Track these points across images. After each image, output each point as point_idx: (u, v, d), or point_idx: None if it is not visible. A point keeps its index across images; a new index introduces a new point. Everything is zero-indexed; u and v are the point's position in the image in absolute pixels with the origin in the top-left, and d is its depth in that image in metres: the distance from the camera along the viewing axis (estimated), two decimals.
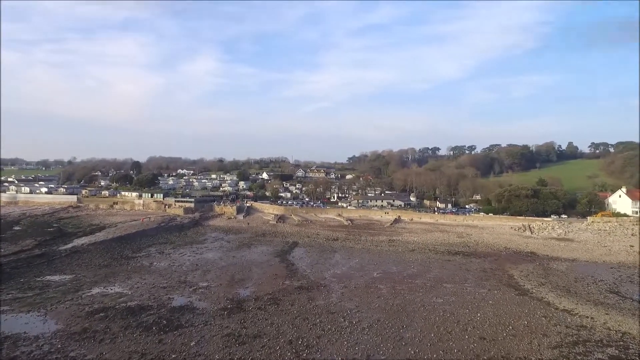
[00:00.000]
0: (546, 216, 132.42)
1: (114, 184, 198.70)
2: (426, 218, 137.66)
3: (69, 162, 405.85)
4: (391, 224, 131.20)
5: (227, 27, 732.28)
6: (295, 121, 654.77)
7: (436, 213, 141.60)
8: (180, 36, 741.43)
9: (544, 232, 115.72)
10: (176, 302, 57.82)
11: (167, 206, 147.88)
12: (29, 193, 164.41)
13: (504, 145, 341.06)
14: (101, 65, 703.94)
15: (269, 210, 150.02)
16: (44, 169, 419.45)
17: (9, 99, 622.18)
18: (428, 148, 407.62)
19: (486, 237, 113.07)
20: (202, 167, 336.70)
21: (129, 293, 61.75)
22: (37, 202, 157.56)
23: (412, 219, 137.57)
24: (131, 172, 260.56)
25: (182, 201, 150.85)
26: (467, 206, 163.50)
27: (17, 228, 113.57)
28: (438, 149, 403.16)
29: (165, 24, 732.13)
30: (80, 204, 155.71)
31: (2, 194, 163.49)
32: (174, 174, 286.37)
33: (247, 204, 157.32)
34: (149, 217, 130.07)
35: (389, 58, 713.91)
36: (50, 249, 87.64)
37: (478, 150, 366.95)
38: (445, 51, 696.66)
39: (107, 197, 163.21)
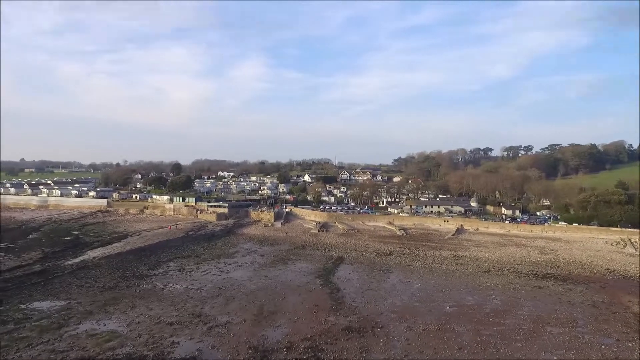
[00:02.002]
0: None
1: (148, 187, 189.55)
2: (494, 228, 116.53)
3: (117, 165, 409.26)
4: (453, 235, 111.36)
5: (273, 33, 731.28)
6: (339, 124, 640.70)
7: (507, 222, 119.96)
8: (228, 43, 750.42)
9: None
10: (180, 352, 42.41)
11: (199, 211, 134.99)
12: (60, 196, 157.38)
13: (564, 144, 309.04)
14: (155, 74, 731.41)
15: (310, 217, 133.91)
16: (92, 171, 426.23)
17: (72, 107, 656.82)
18: (480, 148, 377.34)
19: (577, 255, 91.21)
20: (244, 170, 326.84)
21: (124, 333, 46.96)
22: (67, 206, 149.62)
23: (477, 229, 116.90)
24: (171, 174, 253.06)
25: (215, 206, 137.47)
26: (538, 213, 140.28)
27: (33, 235, 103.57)
28: (490, 149, 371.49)
29: (215, 33, 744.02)
30: (110, 209, 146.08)
31: (34, 197, 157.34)
32: (213, 176, 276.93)
33: (287, 209, 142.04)
34: (177, 224, 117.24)
35: (434, 59, 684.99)
36: (55, 263, 75.30)
37: (535, 150, 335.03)
38: (493, 51, 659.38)
39: (137, 201, 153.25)
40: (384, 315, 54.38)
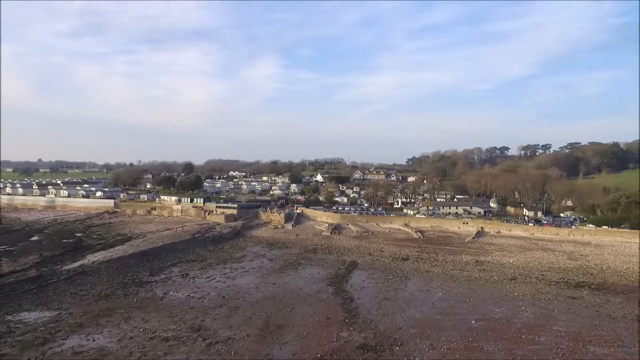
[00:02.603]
0: None
1: (157, 187, 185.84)
2: (517, 230, 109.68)
3: (130, 165, 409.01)
4: (473, 238, 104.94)
5: (286, 34, 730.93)
6: (352, 124, 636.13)
7: (530, 224, 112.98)
8: (242, 44, 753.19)
9: None
10: None
11: (207, 212, 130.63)
12: (67, 197, 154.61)
13: (583, 143, 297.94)
14: (170, 75, 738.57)
15: (322, 219, 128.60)
16: (105, 171, 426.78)
17: (88, 108, 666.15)
18: (496, 147, 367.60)
19: (610, 261, 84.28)
20: (255, 169, 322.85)
21: (114, 350, 42.35)
22: (74, 207, 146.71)
23: (499, 232, 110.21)
24: (182, 174, 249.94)
25: (224, 207, 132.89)
26: (562, 214, 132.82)
27: (35, 238, 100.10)
28: (507, 148, 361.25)
29: (228, 33, 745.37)
30: (117, 209, 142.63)
31: (41, 198, 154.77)
32: (225, 176, 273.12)
33: (298, 211, 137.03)
34: (183, 226, 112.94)
35: (447, 59, 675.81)
36: (52, 268, 71.19)
37: (553, 149, 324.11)
38: (507, 50, 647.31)
39: (145, 202, 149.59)
40: (403, 330, 48.87)
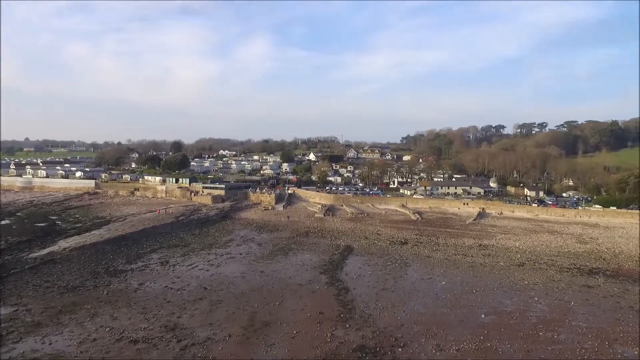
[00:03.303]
0: None
1: (141, 167, 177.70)
2: (521, 211, 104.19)
3: (119, 144, 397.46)
4: (474, 220, 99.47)
5: (279, 11, 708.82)
6: (346, 103, 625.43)
7: (534, 205, 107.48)
8: (234, 22, 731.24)
9: None
10: None
11: (193, 193, 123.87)
12: (46, 177, 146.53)
13: (581, 121, 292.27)
14: (161, 54, 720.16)
15: (314, 200, 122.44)
16: (92, 150, 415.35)
17: (78, 87, 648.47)
18: (491, 126, 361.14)
19: (623, 244, 79.15)
20: (246, 148, 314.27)
21: (72, 356, 36.42)
22: (53, 188, 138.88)
23: (501, 213, 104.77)
24: (170, 152, 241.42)
25: (211, 187, 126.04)
26: (564, 194, 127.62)
27: (5, 222, 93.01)
28: (503, 126, 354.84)
29: (220, 11, 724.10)
30: (99, 190, 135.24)
31: (18, 179, 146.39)
32: (214, 155, 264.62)
33: (289, 191, 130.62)
34: (167, 208, 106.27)
35: (443, 38, 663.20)
36: (17, 256, 64.73)
37: (549, 127, 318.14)
38: (503, 28, 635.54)
39: (128, 183, 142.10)
40: (405, 327, 43.25)
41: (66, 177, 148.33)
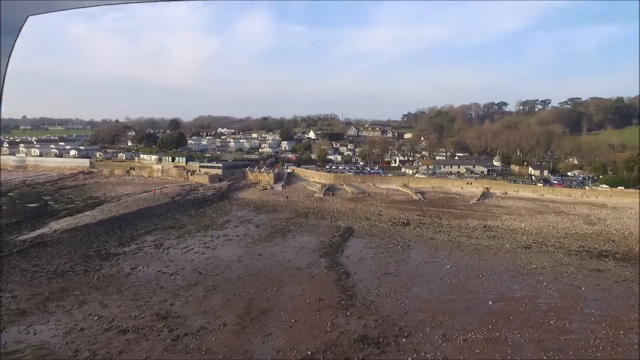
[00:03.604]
0: None
1: (137, 146, 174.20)
2: (526, 191, 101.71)
3: (116, 122, 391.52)
4: (478, 200, 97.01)
5: None
6: (346, 80, 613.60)
7: (540, 185, 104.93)
8: None
9: None
10: None
11: (189, 172, 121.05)
12: (39, 156, 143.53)
13: (584, 98, 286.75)
14: (159, 30, 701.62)
15: (314, 179, 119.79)
16: (90, 128, 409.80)
17: (76, 65, 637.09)
18: (494, 103, 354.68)
19: (632, 225, 76.68)
20: (245, 126, 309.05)
21: (56, 348, 34.44)
22: (47, 167, 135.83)
23: (505, 193, 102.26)
24: (168, 130, 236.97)
25: (208, 166, 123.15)
26: (569, 173, 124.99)
27: None
28: (505, 103, 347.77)
29: None
30: (93, 169, 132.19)
31: (11, 157, 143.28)
32: (212, 133, 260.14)
33: (288, 170, 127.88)
34: (163, 188, 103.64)
35: (444, 12, 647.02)
36: (5, 239, 62.33)
37: (553, 104, 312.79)
38: (503, 4, 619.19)
39: (123, 161, 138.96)
40: (409, 315, 41.18)
41: (60, 155, 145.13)
